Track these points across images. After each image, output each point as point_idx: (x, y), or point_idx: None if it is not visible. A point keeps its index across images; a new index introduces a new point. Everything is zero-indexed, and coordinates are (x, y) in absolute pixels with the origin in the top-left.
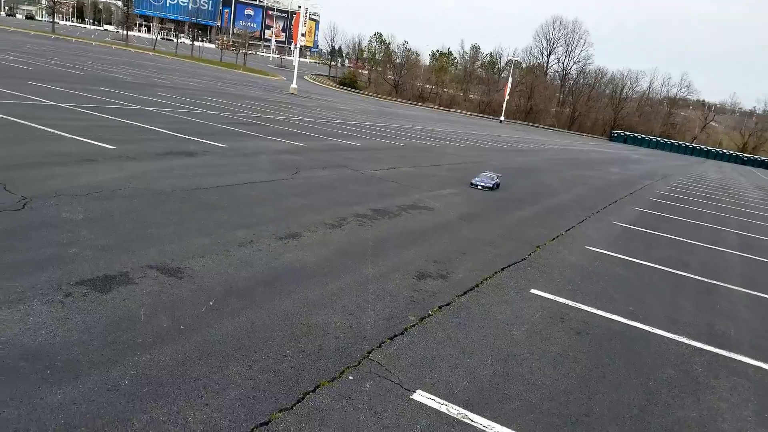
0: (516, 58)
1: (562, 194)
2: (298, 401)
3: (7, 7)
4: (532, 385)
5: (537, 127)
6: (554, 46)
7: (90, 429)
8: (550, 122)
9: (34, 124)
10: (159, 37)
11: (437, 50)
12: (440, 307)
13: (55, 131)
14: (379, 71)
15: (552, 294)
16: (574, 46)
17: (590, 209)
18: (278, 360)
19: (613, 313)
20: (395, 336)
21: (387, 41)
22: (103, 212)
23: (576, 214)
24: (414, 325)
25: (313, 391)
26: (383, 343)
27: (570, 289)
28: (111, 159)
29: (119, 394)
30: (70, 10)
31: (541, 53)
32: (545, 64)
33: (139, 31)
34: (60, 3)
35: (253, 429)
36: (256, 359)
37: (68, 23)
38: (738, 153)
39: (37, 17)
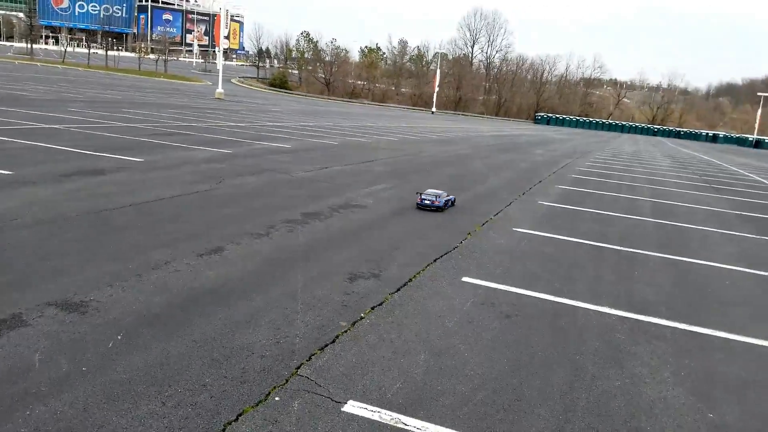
0: (442, 51)
1: (492, 179)
2: None
3: None
4: (465, 377)
5: (467, 115)
6: (477, 36)
7: None
8: (479, 110)
9: None
10: (69, 49)
11: (366, 46)
12: (373, 308)
13: None
14: (309, 70)
15: (482, 280)
16: (495, 35)
17: (517, 191)
18: (196, 391)
19: (539, 291)
20: (326, 346)
21: (315, 39)
22: None
23: (503, 198)
24: (346, 331)
25: (236, 420)
26: (313, 355)
27: (499, 272)
28: (6, 185)
29: None
30: None
31: (465, 44)
32: (470, 55)
33: (46, 43)
34: None
35: None
36: (170, 394)
37: None
38: (649, 125)
39: None
